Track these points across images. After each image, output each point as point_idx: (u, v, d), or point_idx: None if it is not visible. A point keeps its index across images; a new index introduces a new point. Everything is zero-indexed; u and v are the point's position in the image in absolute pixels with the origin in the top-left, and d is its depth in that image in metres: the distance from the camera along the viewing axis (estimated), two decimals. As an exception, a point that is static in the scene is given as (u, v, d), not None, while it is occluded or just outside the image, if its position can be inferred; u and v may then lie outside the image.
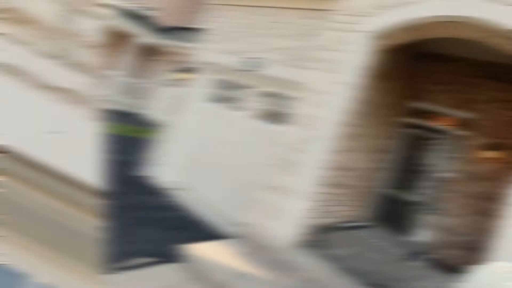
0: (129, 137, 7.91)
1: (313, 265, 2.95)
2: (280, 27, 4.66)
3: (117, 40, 11.79)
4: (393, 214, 5.63)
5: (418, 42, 5.35)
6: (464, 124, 5.24)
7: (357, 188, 5.36)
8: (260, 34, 4.89)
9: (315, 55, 3.71)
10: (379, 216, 5.77)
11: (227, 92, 5.38)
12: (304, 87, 3.68)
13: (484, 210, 4.56)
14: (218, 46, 5.39)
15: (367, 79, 3.65)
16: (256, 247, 3.17)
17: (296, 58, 4.29)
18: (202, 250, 2.84)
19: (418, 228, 5.36)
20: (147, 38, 12.50)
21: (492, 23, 2.62)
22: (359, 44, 3.42)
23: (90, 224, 1.03)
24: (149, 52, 13.51)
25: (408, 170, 5.64)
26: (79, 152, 1.03)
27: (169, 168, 5.24)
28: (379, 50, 3.60)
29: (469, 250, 4.56)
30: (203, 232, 3.89)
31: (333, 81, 3.48)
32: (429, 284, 3.63)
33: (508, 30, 2.53)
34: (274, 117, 4.59)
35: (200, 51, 5.65)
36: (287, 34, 4.53)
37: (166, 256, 2.91)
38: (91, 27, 1.12)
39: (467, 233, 4.62)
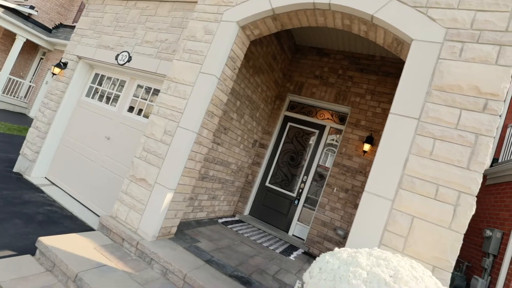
0: (11, 136, 7.83)
1: (174, 258, 2.83)
2: (153, 20, 4.38)
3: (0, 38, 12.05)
4: (271, 208, 5.67)
5: (297, 35, 5.64)
6: (341, 118, 5.57)
7: (234, 183, 5.25)
8: (132, 28, 4.54)
9: (182, 46, 3.46)
10: (256, 211, 5.76)
11: (102, 87, 5.08)
12: (170, 79, 3.40)
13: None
14: (93, 40, 4.95)
15: (237, 70, 3.53)
16: (118, 240, 3.09)
17: (167, 50, 4.03)
18: (60, 242, 2.71)
19: (296, 222, 5.47)
20: (32, 36, 11.67)
21: (354, 10, 2.70)
22: (224, 34, 3.28)
23: None
24: (34, 50, 13.13)
25: (288, 165, 5.77)
26: None
27: (43, 163, 5.05)
28: (246, 40, 3.52)
29: (344, 243, 4.77)
30: (72, 226, 3.72)
31: (198, 71, 3.26)
32: (295, 276, 3.59)
33: (369, 15, 2.62)
34: (147, 110, 4.41)
35: (75, 45, 5.14)
36: (159, 27, 4.25)
37: (25, 249, 2.82)
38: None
39: (343, 226, 4.83)
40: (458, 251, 1.95)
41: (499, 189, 6.09)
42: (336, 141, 5.54)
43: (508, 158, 5.93)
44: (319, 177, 5.48)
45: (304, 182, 5.50)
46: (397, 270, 1.51)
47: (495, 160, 6.46)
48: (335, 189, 5.00)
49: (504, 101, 2.06)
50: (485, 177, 6.33)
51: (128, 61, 4.36)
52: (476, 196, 1.99)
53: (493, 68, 2.12)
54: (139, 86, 4.58)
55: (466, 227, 1.97)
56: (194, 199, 4.12)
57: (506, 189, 5.82)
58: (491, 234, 5.53)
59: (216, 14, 3.42)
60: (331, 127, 5.57)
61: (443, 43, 2.32)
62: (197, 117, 3.13)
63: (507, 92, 6.20)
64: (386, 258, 1.63)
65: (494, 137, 2.03)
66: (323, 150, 5.55)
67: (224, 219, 4.96)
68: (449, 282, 1.92)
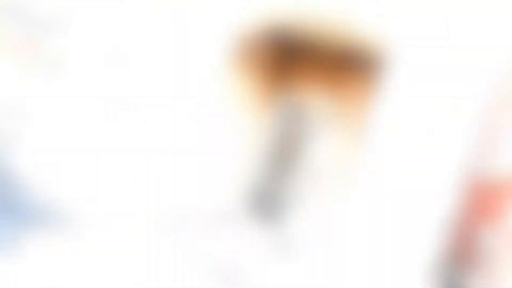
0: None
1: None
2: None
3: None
4: (262, 203, 5.67)
5: (286, 31, 5.61)
6: (331, 115, 5.59)
7: (222, 176, 5.24)
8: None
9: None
10: (247, 205, 5.75)
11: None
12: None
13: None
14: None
15: (222, 64, 3.52)
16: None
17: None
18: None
19: (288, 218, 5.49)
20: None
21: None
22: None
23: None
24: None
25: (279, 159, 5.78)
26: None
27: (32, 160, 4.72)
28: (232, 32, 3.51)
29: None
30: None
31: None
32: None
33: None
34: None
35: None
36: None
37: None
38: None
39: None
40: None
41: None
42: (327, 138, 5.57)
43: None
44: (313, 173, 5.50)
45: (297, 178, 5.52)
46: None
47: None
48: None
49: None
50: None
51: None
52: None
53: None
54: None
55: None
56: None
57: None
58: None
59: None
60: (321, 124, 5.59)
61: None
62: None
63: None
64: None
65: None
66: (315, 147, 5.57)
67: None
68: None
